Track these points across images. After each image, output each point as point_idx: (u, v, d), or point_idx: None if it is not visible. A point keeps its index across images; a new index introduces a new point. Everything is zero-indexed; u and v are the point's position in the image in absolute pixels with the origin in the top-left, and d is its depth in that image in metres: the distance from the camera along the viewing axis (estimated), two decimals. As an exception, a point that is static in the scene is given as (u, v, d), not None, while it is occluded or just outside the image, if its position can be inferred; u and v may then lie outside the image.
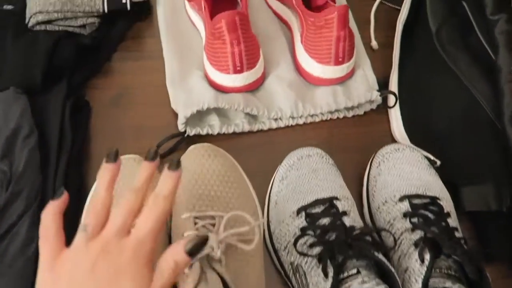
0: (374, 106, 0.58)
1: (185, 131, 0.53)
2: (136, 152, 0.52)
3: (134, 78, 0.59)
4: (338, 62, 0.55)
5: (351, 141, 0.57)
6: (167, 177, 0.33)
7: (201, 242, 0.31)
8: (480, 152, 0.52)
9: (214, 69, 0.54)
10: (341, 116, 0.57)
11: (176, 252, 0.31)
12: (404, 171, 0.47)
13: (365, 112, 0.58)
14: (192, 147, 0.49)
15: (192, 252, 0.31)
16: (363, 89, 0.57)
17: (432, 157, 0.50)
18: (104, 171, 0.34)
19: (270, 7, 0.66)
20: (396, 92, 0.59)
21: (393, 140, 0.57)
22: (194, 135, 0.53)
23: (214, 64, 0.54)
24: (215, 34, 0.51)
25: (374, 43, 0.64)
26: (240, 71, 0.53)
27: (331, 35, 0.53)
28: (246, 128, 0.55)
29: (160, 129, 0.54)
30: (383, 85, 0.60)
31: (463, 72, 0.56)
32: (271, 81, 0.58)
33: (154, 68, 0.59)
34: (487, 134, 0.53)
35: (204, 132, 0.54)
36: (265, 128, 0.56)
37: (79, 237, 0.31)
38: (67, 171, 0.49)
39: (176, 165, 0.33)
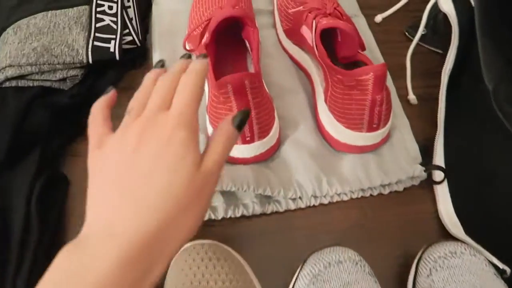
0: (416, 182, 0.47)
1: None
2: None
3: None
4: (371, 129, 0.45)
5: (389, 227, 0.45)
6: (195, 62, 0.32)
7: (246, 114, 0.31)
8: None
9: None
10: (375, 193, 0.46)
11: (226, 128, 0.31)
12: (465, 286, 0.36)
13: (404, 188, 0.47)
14: (187, 246, 0.38)
15: (240, 125, 0.31)
16: (403, 160, 0.46)
17: (501, 265, 0.39)
18: (151, 73, 0.34)
19: (285, 50, 0.56)
20: (442, 162, 0.48)
21: (442, 226, 0.45)
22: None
23: None
24: (219, 97, 0.41)
25: (412, 97, 0.53)
26: (250, 141, 0.43)
27: (365, 98, 0.42)
28: (258, 210, 0.44)
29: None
30: (424, 151, 0.49)
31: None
32: (288, 148, 0.47)
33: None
34: None
35: (205, 217, 0.43)
36: (281, 209, 0.45)
37: (125, 120, 0.31)
38: (32, 272, 0.39)
39: (204, 56, 0.33)
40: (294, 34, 0.53)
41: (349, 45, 0.47)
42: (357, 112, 0.43)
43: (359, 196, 0.46)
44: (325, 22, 0.45)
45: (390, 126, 0.48)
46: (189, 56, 0.35)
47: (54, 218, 0.43)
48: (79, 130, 0.48)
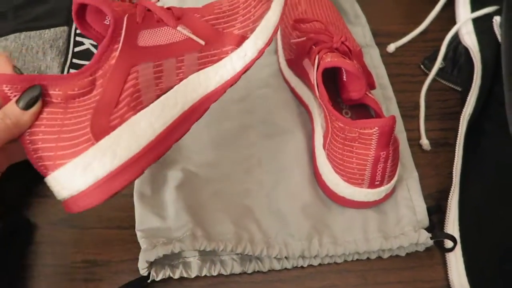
0: (421, 249, 0.41)
1: (148, 275, 0.38)
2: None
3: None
4: (373, 186, 0.39)
5: (390, 297, 0.40)
6: None
7: (35, 95, 0.28)
8: None
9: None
10: (373, 257, 0.40)
11: (7, 106, 0.28)
12: None
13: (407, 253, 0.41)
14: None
15: (27, 107, 0.28)
16: (407, 223, 0.40)
17: None
18: None
19: (286, 81, 0.51)
20: (457, 223, 0.41)
21: (451, 298, 0.40)
22: (162, 280, 0.38)
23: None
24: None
25: (425, 142, 0.47)
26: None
27: (368, 154, 0.37)
28: (237, 269, 0.39)
29: (124, 264, 0.40)
30: (436, 209, 0.43)
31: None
32: (280, 200, 0.42)
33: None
34: None
35: (176, 275, 0.38)
36: (264, 269, 0.39)
37: None
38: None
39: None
40: (296, 66, 0.47)
41: (355, 87, 0.41)
42: (358, 167, 0.38)
43: (354, 259, 0.40)
44: (329, 60, 0.39)
45: (397, 180, 0.42)
46: None
47: (14, 269, 0.38)
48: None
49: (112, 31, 0.30)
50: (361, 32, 0.54)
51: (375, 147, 0.36)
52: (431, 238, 0.39)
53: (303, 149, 0.45)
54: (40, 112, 0.28)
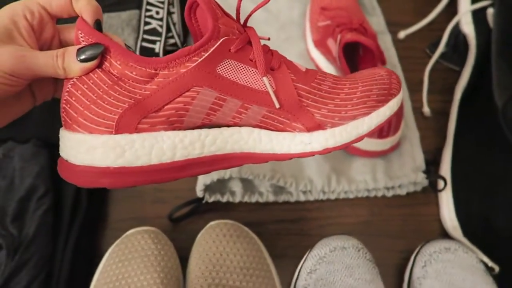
0: (418, 188, 0.51)
1: (203, 197, 0.49)
2: (154, 216, 0.49)
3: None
4: (382, 136, 0.49)
5: (393, 225, 0.50)
6: None
7: (95, 53, 0.28)
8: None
9: None
10: (379, 195, 0.51)
11: (70, 48, 0.28)
12: (455, 278, 0.40)
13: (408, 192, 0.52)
14: (212, 224, 0.44)
15: (85, 61, 0.28)
16: (408, 168, 0.50)
17: (490, 263, 0.43)
18: None
19: (312, 60, 0.61)
20: (449, 171, 0.51)
21: (442, 228, 0.49)
22: (213, 202, 0.49)
23: None
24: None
25: (426, 110, 0.57)
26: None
27: (377, 107, 0.47)
28: (271, 198, 0.50)
29: (182, 192, 0.50)
30: (433, 161, 0.53)
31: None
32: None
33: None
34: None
35: (224, 199, 0.49)
36: (292, 200, 0.50)
37: None
38: (79, 239, 0.46)
39: None
40: (321, 45, 0.58)
41: (369, 59, 0.51)
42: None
43: (364, 195, 0.50)
44: (349, 37, 0.50)
45: (401, 136, 0.52)
46: None
47: (99, 193, 0.50)
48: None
49: (201, 44, 0.28)
50: (376, 21, 0.64)
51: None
52: (426, 178, 0.49)
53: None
54: (92, 70, 0.28)
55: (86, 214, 0.47)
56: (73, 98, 0.28)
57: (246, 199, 0.49)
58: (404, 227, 0.50)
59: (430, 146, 0.55)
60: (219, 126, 0.31)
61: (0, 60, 0.26)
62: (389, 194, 0.51)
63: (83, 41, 0.28)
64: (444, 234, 0.49)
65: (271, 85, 0.30)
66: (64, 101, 0.29)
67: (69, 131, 0.29)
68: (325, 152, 0.32)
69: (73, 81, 0.28)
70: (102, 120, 0.28)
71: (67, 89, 0.28)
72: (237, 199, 0.49)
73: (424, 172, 0.50)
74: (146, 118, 0.29)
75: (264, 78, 0.30)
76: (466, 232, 0.47)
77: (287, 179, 0.49)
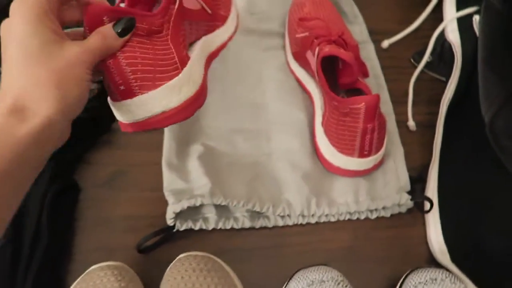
0: (403, 210, 0.48)
1: (174, 225, 0.46)
2: (124, 247, 0.46)
3: (134, 154, 0.52)
4: (363, 155, 0.46)
5: (378, 249, 0.47)
6: None
7: (131, 23, 0.32)
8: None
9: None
10: (362, 217, 0.48)
11: (105, 30, 0.31)
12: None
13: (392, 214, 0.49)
14: (181, 257, 0.41)
15: (122, 33, 0.31)
16: (392, 188, 0.47)
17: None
18: None
19: (292, 72, 0.58)
20: (436, 190, 0.49)
21: (430, 252, 0.47)
22: (185, 230, 0.46)
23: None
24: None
25: (411, 124, 0.54)
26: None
27: (357, 126, 0.44)
28: (247, 224, 0.47)
29: (156, 219, 0.47)
30: (418, 180, 0.50)
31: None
32: (283, 168, 0.49)
33: (159, 142, 0.51)
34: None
35: (197, 227, 0.46)
36: (270, 225, 0.47)
37: None
38: (40, 274, 0.42)
39: None
40: (300, 58, 0.55)
41: (348, 73, 0.48)
42: (349, 138, 0.45)
43: (346, 218, 0.48)
44: (327, 50, 0.47)
45: (385, 153, 0.49)
46: None
47: (64, 223, 0.47)
48: (94, 142, 0.53)
49: None
50: (358, 30, 0.62)
51: (362, 120, 0.43)
52: (411, 200, 0.46)
53: (305, 128, 0.53)
54: (130, 41, 0.32)
55: (47, 247, 0.44)
56: (139, 66, 0.33)
57: (220, 225, 0.46)
58: (390, 252, 0.47)
59: (416, 162, 0.52)
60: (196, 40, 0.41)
61: (81, 58, 0.30)
62: (373, 216, 0.48)
63: (108, 20, 0.32)
64: (432, 260, 0.46)
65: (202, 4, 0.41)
66: (130, 72, 0.32)
67: (155, 89, 0.33)
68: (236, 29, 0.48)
69: (122, 55, 0.32)
70: (169, 67, 0.34)
71: (124, 63, 0.32)
72: (211, 226, 0.46)
73: (409, 192, 0.47)
74: (185, 50, 0.37)
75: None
76: (455, 257, 0.44)
77: (264, 203, 0.46)
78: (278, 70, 0.59)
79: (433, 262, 0.46)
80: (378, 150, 0.47)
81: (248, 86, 0.56)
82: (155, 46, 0.34)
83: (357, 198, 0.47)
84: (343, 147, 0.46)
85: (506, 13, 0.53)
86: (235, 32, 0.48)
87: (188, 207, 0.45)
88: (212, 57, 0.43)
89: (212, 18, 0.43)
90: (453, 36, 0.58)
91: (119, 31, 0.31)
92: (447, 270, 0.42)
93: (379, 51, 0.61)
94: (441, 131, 0.51)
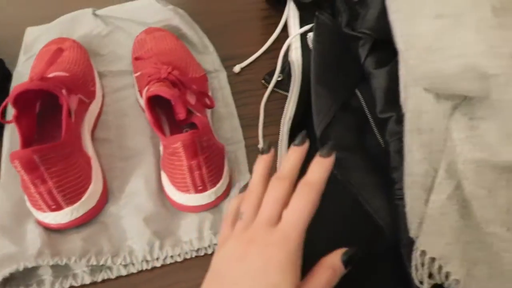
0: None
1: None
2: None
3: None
4: (199, 191, 0.46)
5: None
6: (317, 164, 0.33)
7: (357, 253, 0.32)
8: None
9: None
10: (210, 252, 0.47)
11: (332, 260, 0.32)
12: None
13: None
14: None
15: (348, 262, 0.32)
16: (235, 218, 0.47)
17: None
18: (259, 163, 0.36)
19: (142, 109, 0.57)
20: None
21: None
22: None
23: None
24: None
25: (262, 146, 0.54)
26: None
27: (182, 164, 0.43)
28: (87, 279, 0.45)
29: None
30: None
31: (354, 185, 0.46)
32: (128, 214, 0.48)
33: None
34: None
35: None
36: (112, 276, 0.45)
37: (238, 224, 0.33)
38: None
39: (328, 150, 0.33)
40: (141, 96, 0.54)
41: (178, 109, 0.48)
42: (181, 176, 0.45)
43: (194, 256, 0.47)
44: (152, 90, 0.47)
45: (229, 182, 0.49)
46: (303, 138, 0.36)
47: None
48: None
49: None
50: (210, 59, 0.62)
51: (184, 157, 0.43)
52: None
53: (152, 168, 0.51)
54: None
55: None
56: None
57: (57, 286, 0.44)
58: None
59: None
60: None
61: None
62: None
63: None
64: None
65: None
66: None
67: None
68: None
69: None
70: None
71: None
72: (47, 288, 0.44)
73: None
74: None
75: None
76: None
77: (103, 255, 0.44)
78: (131, 108, 0.58)
79: None
80: (214, 184, 0.46)
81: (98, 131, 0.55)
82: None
83: (201, 234, 0.46)
84: (179, 185, 0.46)
85: (336, 29, 0.55)
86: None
87: (24, 270, 0.42)
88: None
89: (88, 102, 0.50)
90: (295, 54, 0.59)
91: (346, 261, 0.32)
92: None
93: (232, 76, 0.61)
94: (284, 150, 0.51)
